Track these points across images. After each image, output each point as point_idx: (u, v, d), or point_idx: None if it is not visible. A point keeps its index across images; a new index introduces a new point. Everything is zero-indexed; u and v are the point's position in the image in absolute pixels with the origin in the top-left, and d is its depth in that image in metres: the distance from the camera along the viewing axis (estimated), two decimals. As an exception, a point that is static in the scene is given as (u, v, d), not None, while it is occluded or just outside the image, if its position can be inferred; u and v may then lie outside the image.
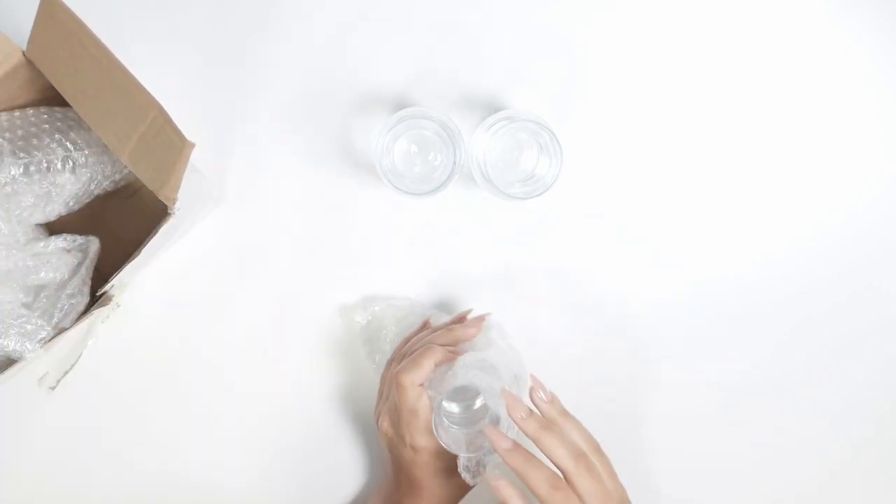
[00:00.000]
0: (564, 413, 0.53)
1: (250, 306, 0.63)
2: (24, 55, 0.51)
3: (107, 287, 0.55)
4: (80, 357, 0.57)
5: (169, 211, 0.49)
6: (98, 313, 0.56)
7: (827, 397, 0.63)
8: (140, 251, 0.51)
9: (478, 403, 0.53)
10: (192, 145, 0.46)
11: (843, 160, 0.63)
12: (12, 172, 0.52)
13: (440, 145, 0.59)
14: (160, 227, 0.50)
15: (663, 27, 0.63)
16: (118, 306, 0.59)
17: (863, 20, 0.62)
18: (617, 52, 0.63)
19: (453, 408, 0.54)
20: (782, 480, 0.63)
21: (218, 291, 0.63)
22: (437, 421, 0.50)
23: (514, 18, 0.62)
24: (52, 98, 0.56)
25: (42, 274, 0.55)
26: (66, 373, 0.59)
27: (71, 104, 0.50)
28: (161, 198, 0.49)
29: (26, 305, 0.54)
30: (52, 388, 0.58)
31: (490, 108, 0.62)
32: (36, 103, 0.57)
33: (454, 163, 0.57)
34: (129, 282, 0.60)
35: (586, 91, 0.63)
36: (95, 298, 0.56)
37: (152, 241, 0.51)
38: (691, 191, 0.63)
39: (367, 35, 0.62)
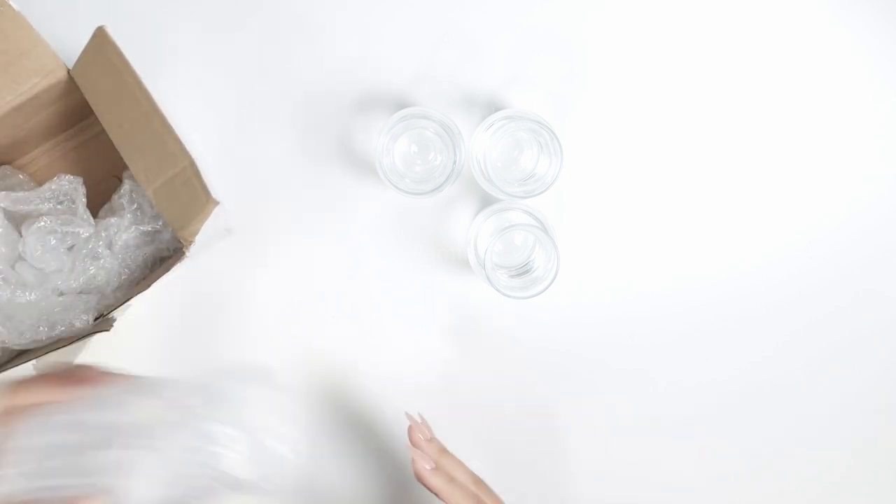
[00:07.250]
0: (444, 452, 0.52)
1: (248, 309, 0.62)
2: (68, 73, 0.52)
3: (113, 313, 0.56)
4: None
5: (185, 251, 0.50)
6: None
7: (826, 400, 0.62)
8: (150, 285, 0.52)
9: None
10: (217, 203, 0.47)
11: (843, 162, 0.61)
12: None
13: (440, 145, 0.60)
14: (174, 266, 0.51)
15: (663, 26, 0.62)
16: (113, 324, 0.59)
17: (863, 20, 0.60)
18: (616, 51, 0.62)
19: None
20: (781, 483, 0.63)
21: (216, 290, 0.62)
22: None
23: (514, 18, 0.62)
24: (74, 119, 0.59)
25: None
26: None
27: (106, 130, 0.51)
28: (180, 237, 0.49)
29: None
30: None
31: (490, 107, 0.62)
32: (58, 124, 0.59)
33: (454, 163, 0.57)
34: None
35: (586, 90, 0.62)
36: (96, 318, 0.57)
37: (163, 276, 0.51)
38: (691, 191, 0.62)
39: (367, 35, 0.63)
